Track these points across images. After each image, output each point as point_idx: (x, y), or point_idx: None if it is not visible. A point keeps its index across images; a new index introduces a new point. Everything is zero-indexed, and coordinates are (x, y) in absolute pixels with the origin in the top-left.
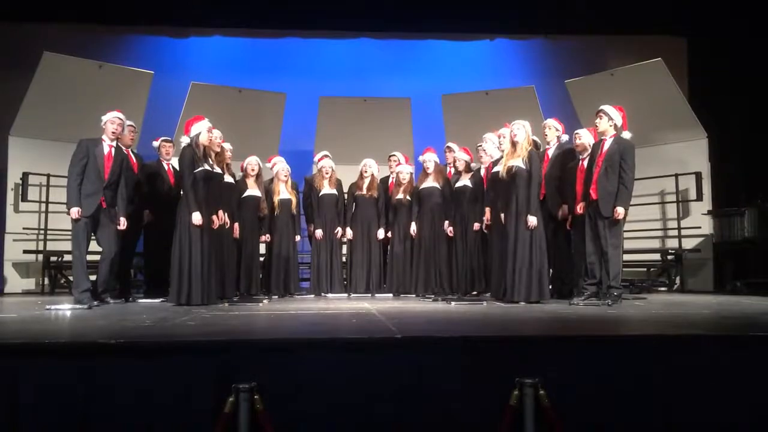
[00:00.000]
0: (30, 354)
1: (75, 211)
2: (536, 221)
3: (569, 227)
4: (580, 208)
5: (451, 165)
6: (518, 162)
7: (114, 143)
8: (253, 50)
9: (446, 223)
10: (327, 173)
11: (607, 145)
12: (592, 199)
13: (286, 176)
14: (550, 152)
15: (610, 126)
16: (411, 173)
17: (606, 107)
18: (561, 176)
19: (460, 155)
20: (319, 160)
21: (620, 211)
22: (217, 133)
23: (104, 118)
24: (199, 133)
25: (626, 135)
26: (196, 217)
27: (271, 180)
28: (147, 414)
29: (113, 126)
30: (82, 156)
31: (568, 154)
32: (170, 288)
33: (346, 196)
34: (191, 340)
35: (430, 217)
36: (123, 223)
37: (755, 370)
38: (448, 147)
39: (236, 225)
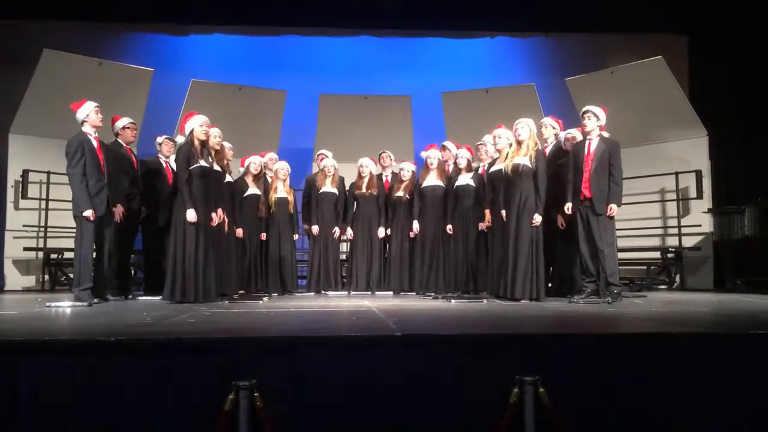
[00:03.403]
0: (30, 351)
1: (90, 213)
2: (540, 219)
3: (561, 226)
4: (568, 209)
5: (448, 163)
6: (524, 160)
7: (96, 134)
8: (253, 48)
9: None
10: (329, 172)
11: (594, 145)
12: (583, 198)
13: (285, 175)
14: (548, 150)
15: (597, 126)
16: (413, 171)
17: (593, 107)
18: (553, 174)
19: (462, 153)
20: (320, 159)
21: (614, 207)
22: (216, 132)
23: (82, 113)
24: (194, 129)
25: (606, 134)
26: (191, 214)
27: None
28: (147, 411)
29: (99, 116)
30: (81, 155)
31: (557, 152)
32: (165, 285)
33: (347, 194)
34: (191, 337)
35: (431, 214)
36: (119, 213)
37: (755, 368)
38: (443, 146)
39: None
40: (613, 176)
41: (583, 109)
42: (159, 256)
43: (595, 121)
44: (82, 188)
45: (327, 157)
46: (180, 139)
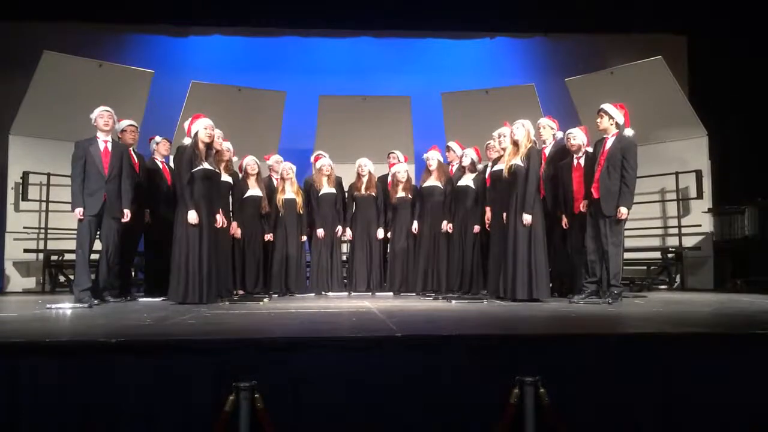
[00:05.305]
0: (30, 353)
1: (78, 212)
2: (530, 218)
3: (565, 226)
4: (583, 207)
5: (453, 164)
6: (518, 160)
7: (109, 138)
8: (253, 49)
9: (444, 222)
10: (327, 172)
11: (609, 144)
12: (593, 197)
13: (289, 174)
14: (548, 151)
15: (611, 125)
16: (407, 171)
17: (606, 106)
18: (554, 174)
19: (467, 152)
20: (316, 160)
21: (623, 211)
22: (218, 133)
23: (93, 115)
24: (198, 131)
25: (629, 132)
26: (192, 216)
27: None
28: (147, 413)
29: (102, 120)
30: (80, 157)
31: (561, 152)
32: (169, 286)
33: (345, 194)
34: (192, 338)
35: (430, 215)
36: (127, 215)
37: (755, 368)
38: (448, 147)
39: (234, 224)
40: (625, 177)
41: (598, 108)
42: (160, 257)
43: (608, 119)
44: (74, 188)
45: (323, 157)
46: (187, 141)
